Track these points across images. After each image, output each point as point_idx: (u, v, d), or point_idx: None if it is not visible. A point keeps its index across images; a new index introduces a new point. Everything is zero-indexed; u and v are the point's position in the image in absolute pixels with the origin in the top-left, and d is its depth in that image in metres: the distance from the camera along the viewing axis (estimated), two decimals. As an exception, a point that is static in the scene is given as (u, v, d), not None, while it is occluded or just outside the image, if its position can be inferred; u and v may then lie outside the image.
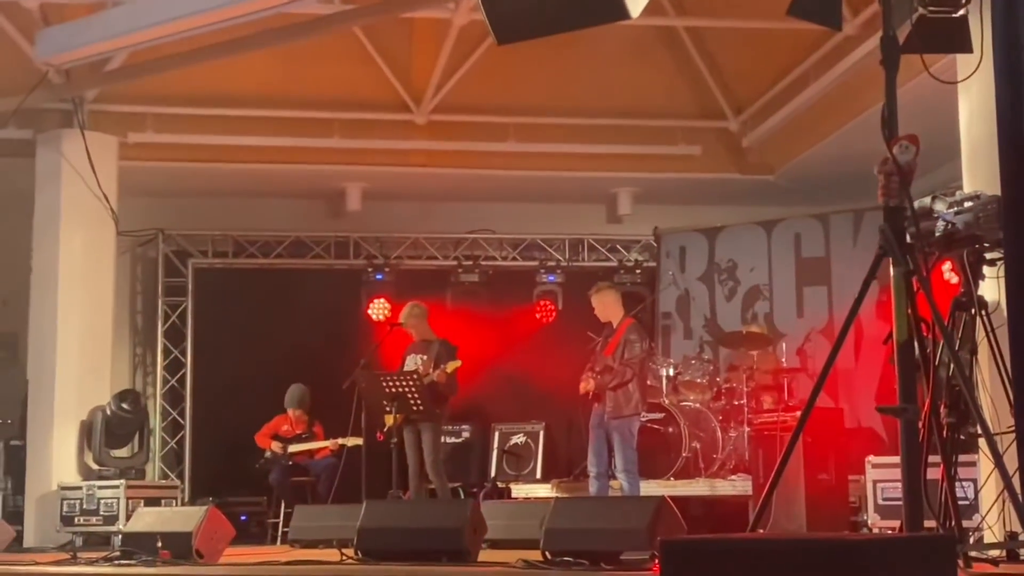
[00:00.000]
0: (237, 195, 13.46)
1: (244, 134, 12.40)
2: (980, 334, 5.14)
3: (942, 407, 4.85)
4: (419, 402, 9.66)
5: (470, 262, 13.73)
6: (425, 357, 10.05)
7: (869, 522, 8.61)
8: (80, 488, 11.04)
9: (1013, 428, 4.66)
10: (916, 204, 4.72)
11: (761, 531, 5.25)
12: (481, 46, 11.73)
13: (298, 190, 13.53)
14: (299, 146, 12.60)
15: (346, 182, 13.36)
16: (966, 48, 5.36)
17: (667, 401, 10.75)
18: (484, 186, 13.39)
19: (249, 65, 11.47)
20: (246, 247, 13.67)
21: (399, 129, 12.79)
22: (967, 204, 5.02)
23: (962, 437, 4.97)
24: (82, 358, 11.60)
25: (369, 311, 13.25)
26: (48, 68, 10.92)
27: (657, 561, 4.32)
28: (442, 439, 10.54)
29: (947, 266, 7.61)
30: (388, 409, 9.59)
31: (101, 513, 10.82)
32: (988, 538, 5.29)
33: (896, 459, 4.59)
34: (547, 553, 5.87)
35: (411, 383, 9.66)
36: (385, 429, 9.76)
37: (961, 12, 5.34)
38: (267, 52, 11.19)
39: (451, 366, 9.75)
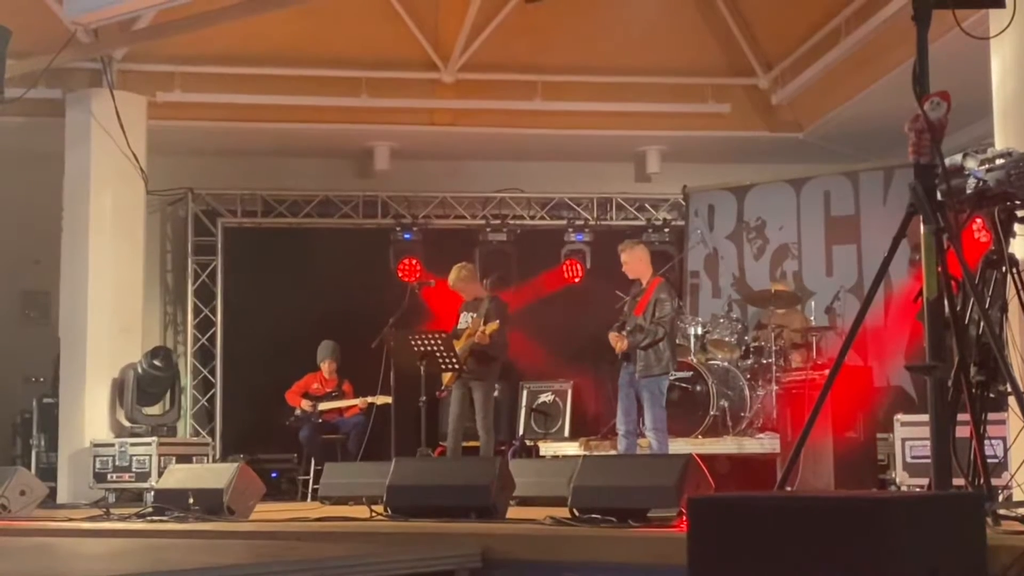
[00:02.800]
0: (265, 154, 13.48)
1: (272, 93, 12.40)
2: (1011, 292, 5.10)
3: (972, 365, 4.82)
4: (447, 361, 9.68)
5: (498, 221, 13.73)
6: (475, 315, 10.01)
7: (897, 480, 8.60)
8: (112, 445, 11.14)
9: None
10: (947, 161, 4.68)
11: (789, 489, 5.25)
12: (509, 3, 11.68)
13: (326, 149, 13.54)
14: (327, 105, 12.60)
15: (374, 141, 13.36)
16: (998, 3, 5.28)
17: (695, 359, 10.73)
18: (512, 145, 13.35)
19: (277, 24, 11.47)
20: (275, 206, 13.71)
21: (427, 88, 12.77)
22: (999, 161, 4.95)
23: (991, 395, 4.93)
24: (113, 316, 11.67)
25: (399, 272, 13.26)
26: (76, 27, 10.92)
27: (684, 518, 4.33)
28: (493, 398, 10.33)
29: (978, 224, 7.54)
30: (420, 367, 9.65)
31: (133, 470, 10.93)
32: (1017, 496, 5.26)
33: (925, 417, 4.58)
34: (575, 510, 5.88)
35: (440, 342, 9.68)
36: (444, 387, 9.83)
37: (994, -34, 5.27)
38: (295, 10, 11.19)
39: (489, 328, 9.73)
